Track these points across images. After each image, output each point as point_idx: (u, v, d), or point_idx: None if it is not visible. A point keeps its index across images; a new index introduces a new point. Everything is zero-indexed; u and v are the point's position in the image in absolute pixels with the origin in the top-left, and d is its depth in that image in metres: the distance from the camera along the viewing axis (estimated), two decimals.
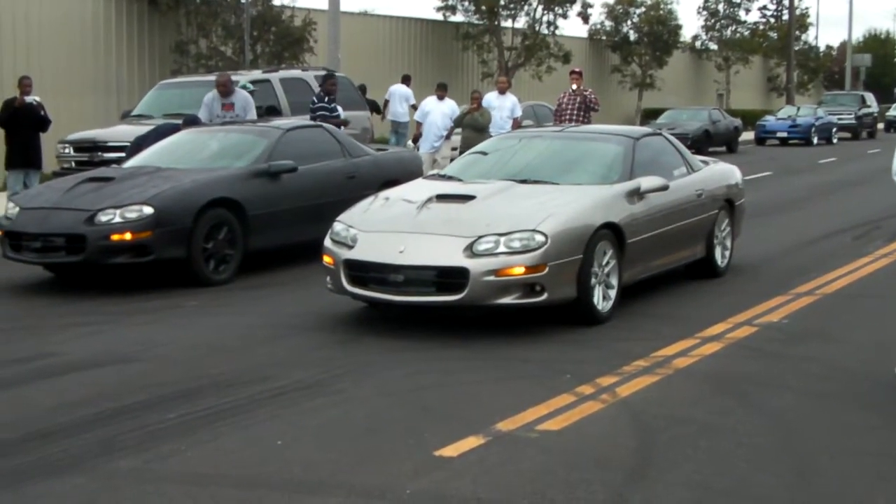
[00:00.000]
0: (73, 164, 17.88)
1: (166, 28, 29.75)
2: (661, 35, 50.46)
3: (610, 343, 8.70)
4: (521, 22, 42.84)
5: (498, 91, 20.10)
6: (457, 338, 8.81)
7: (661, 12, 50.71)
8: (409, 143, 22.39)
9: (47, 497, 5.53)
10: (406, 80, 28.06)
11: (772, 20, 62.38)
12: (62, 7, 27.17)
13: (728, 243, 11.82)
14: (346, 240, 9.34)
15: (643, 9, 50.71)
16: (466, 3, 41.42)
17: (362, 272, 9.12)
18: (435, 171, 12.52)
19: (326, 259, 9.49)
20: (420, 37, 39.90)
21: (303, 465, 5.88)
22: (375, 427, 6.57)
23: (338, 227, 9.61)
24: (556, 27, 43.21)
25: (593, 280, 9.19)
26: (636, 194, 9.98)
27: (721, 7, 58.99)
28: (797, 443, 6.28)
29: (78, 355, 8.53)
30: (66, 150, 18.57)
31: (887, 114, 53.57)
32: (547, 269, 8.77)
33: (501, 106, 19.56)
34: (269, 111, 18.06)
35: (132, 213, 11.00)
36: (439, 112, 19.43)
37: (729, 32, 59.56)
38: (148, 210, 11.02)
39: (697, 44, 58.47)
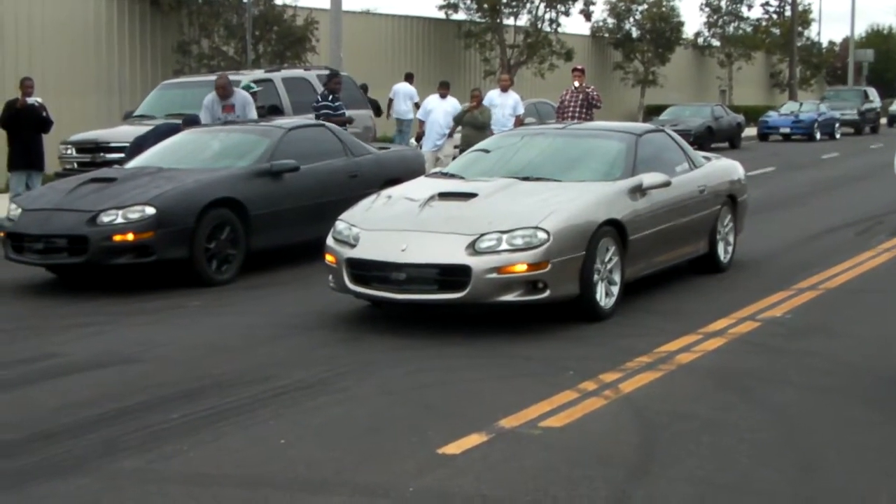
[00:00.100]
0: (76, 165, 17.89)
1: (168, 28, 29.75)
2: (663, 32, 50.40)
3: (613, 339, 8.70)
4: (524, 20, 42.85)
5: (500, 89, 20.10)
6: (459, 335, 8.81)
7: (664, 9, 50.66)
8: (412, 141, 22.39)
9: (51, 498, 5.54)
10: (409, 78, 28.06)
11: (774, 16, 62.32)
12: (64, 8, 27.17)
13: (731, 239, 11.82)
14: (349, 238, 9.34)
15: (645, 6, 50.66)
16: (468, 2, 41.40)
17: (365, 271, 9.12)
18: (437, 170, 12.51)
19: (329, 258, 9.49)
20: (422, 35, 39.88)
21: (306, 464, 5.88)
22: (378, 425, 6.57)
23: (340, 225, 9.61)
24: (559, 25, 43.17)
25: (596, 277, 9.19)
26: (639, 191, 9.98)
27: (723, 3, 58.93)
28: (800, 438, 6.28)
29: (81, 356, 8.53)
30: (69, 151, 18.58)
31: (890, 108, 53.52)
32: (549, 266, 8.77)
33: (504, 104, 19.55)
34: (271, 111, 18.05)
35: (134, 214, 11.01)
36: (442, 110, 19.42)
37: (731, 29, 59.49)
38: (150, 210, 11.03)
39: (700, 40, 58.41)
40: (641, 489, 5.52)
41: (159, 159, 12.74)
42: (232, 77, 19.65)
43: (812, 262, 12.13)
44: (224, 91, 15.09)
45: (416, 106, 23.77)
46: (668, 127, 24.45)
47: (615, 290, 9.48)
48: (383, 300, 9.27)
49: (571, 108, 18.78)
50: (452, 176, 10.66)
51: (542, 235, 8.80)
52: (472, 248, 8.76)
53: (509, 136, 12.03)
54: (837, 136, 41.89)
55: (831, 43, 74.54)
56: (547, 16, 42.74)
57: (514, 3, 42.02)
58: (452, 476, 5.66)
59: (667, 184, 10.20)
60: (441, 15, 41.61)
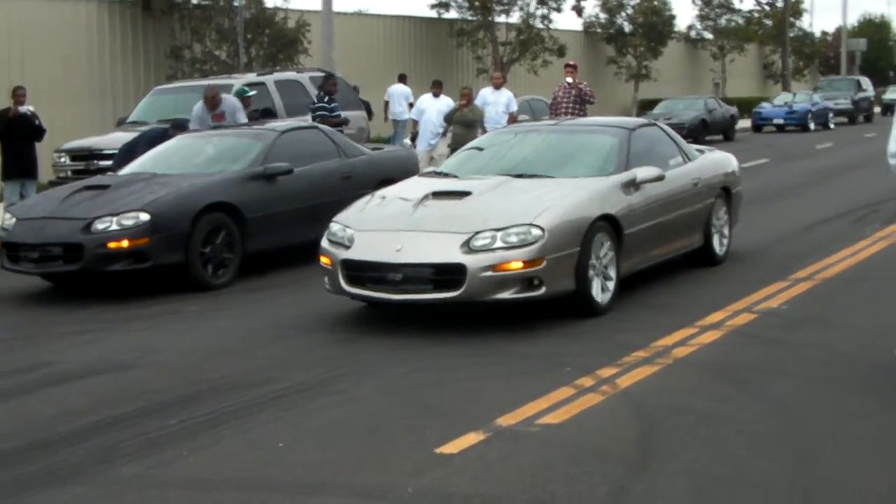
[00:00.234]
0: (70, 172, 17.88)
1: (160, 33, 29.75)
2: (655, 25, 50.42)
3: (609, 334, 8.70)
4: (515, 17, 42.86)
5: (493, 86, 20.12)
6: (456, 334, 8.81)
7: (656, 3, 50.68)
8: (406, 141, 22.40)
9: None
10: (402, 78, 28.13)
11: (766, 7, 62.33)
12: (56, 15, 27.15)
13: (726, 231, 11.82)
14: (343, 240, 9.34)
15: (637, 0, 50.66)
16: (460, 0, 41.39)
17: (360, 272, 9.12)
18: (431, 169, 12.51)
19: (324, 260, 9.49)
20: (414, 35, 39.88)
21: (305, 467, 5.88)
22: (376, 426, 6.58)
23: (334, 227, 9.61)
24: (551, 21, 43.19)
25: (591, 272, 9.19)
26: (632, 185, 9.98)
27: None
28: (797, 429, 6.28)
29: (77, 364, 8.53)
30: (63, 159, 18.58)
31: (883, 97, 53.52)
32: (544, 263, 8.77)
33: (496, 101, 19.58)
34: (264, 113, 18.05)
35: (129, 220, 11.00)
36: (435, 109, 19.43)
37: (723, 21, 59.52)
38: (144, 217, 11.02)
39: (692, 33, 58.43)
40: (640, 484, 5.52)
41: (153, 165, 12.74)
42: (224, 81, 19.73)
43: (807, 253, 12.13)
44: (213, 102, 15.07)
45: (411, 106, 23.79)
46: (662, 120, 24.47)
47: (611, 285, 9.48)
48: (379, 301, 9.27)
49: (564, 105, 18.78)
50: (446, 175, 10.66)
51: (536, 232, 8.80)
52: (467, 247, 8.76)
53: (502, 133, 12.04)
54: (831, 125, 41.89)
55: (824, 33, 74.54)
56: (538, 12, 42.77)
57: (505, 1, 42.03)
58: (450, 475, 5.66)
59: (660, 178, 10.20)
60: (433, 14, 41.66)
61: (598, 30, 50.51)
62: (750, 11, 61.74)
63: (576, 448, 6.04)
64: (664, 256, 10.68)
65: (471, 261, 8.68)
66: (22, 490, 5.74)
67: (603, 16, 50.73)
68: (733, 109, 38.73)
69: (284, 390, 7.41)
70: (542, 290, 8.82)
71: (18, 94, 16.23)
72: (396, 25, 39.06)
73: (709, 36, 58.91)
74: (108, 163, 16.42)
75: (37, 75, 25.56)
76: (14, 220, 11.61)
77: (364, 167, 13.66)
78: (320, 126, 14.58)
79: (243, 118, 15.30)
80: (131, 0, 29.16)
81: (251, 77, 20.15)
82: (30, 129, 16.10)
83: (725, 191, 11.82)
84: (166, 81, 25.00)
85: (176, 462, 6.05)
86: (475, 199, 9.46)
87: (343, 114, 17.73)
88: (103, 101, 27.66)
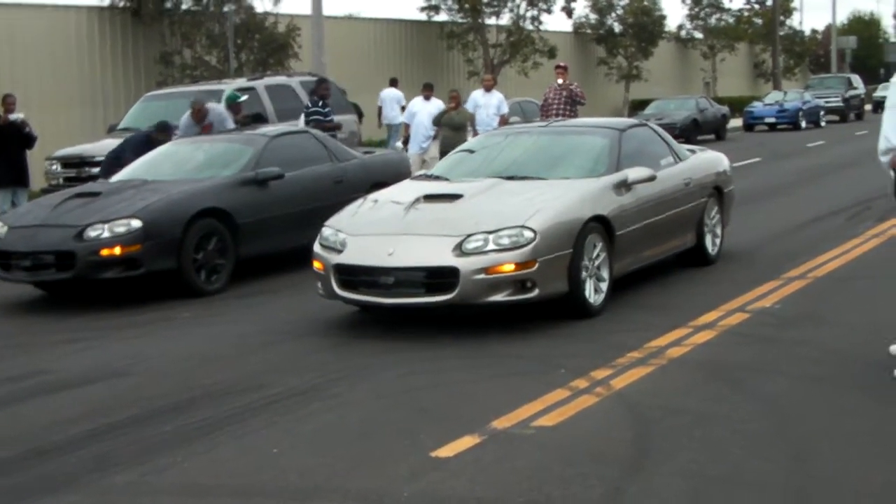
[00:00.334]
0: (61, 180, 17.88)
1: (150, 39, 29.72)
2: (645, 26, 50.48)
3: (603, 336, 8.70)
4: (505, 18, 42.89)
5: (484, 89, 20.11)
6: (450, 337, 8.80)
7: (646, 3, 50.73)
8: (398, 144, 22.40)
9: None
10: (394, 82, 28.17)
11: (756, 6, 62.45)
12: (46, 22, 27.13)
13: (718, 231, 11.83)
14: (335, 244, 9.33)
15: (627, 0, 50.72)
16: (450, 2, 41.43)
17: (352, 276, 9.11)
18: (422, 172, 12.51)
19: (316, 264, 9.48)
20: (405, 38, 39.89)
21: (298, 472, 5.87)
22: (370, 430, 6.56)
23: (326, 231, 9.59)
24: (541, 22, 43.24)
25: (584, 274, 9.19)
26: (624, 186, 9.99)
27: None
28: (792, 427, 6.29)
29: (71, 372, 8.51)
30: (54, 167, 18.57)
31: (874, 95, 53.60)
32: (537, 265, 8.77)
33: (488, 104, 19.58)
34: (255, 119, 18.04)
35: (120, 227, 10.98)
36: (426, 112, 19.43)
37: (713, 20, 59.60)
38: (136, 223, 11.00)
39: (682, 33, 58.51)
40: (635, 485, 5.52)
41: (144, 172, 12.72)
42: (214, 87, 19.73)
43: (800, 251, 12.14)
44: (199, 115, 15.04)
45: (404, 109, 23.81)
46: (654, 121, 24.49)
47: (604, 286, 9.48)
48: (372, 305, 9.26)
49: (555, 106, 18.80)
50: (437, 178, 10.66)
51: (528, 234, 8.80)
52: (459, 250, 8.75)
53: (493, 135, 12.04)
54: (822, 123, 41.93)
55: (814, 31, 74.71)
56: (528, 14, 42.80)
57: (495, 3, 42.07)
58: (446, 479, 5.65)
59: (652, 178, 10.21)
60: (423, 17, 41.66)
61: (589, 31, 50.56)
62: (740, 10, 61.88)
63: (571, 450, 6.03)
64: (657, 257, 10.68)
65: (463, 264, 8.68)
66: (16, 499, 5.73)
67: (593, 16, 50.79)
68: (725, 109, 38.80)
69: (278, 395, 7.39)
70: (535, 293, 8.82)
71: (8, 102, 16.23)
72: (386, 29, 39.07)
73: (699, 35, 58.99)
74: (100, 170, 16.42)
75: (27, 82, 25.53)
76: (6, 228, 11.58)
77: (356, 171, 13.65)
78: (311, 130, 14.58)
79: (231, 125, 15.28)
80: (121, 7, 29.15)
81: (241, 82, 20.15)
82: (20, 137, 16.09)
83: (717, 190, 11.83)
84: (157, 87, 24.99)
85: (170, 469, 6.04)
86: (467, 202, 9.46)
87: (335, 118, 17.73)
88: (94, 107, 27.64)
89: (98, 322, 10.42)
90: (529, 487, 5.49)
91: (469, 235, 8.82)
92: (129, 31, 29.32)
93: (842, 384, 7.14)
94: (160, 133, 14.38)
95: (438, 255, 8.79)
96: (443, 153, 17.03)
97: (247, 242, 11.88)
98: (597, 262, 9.40)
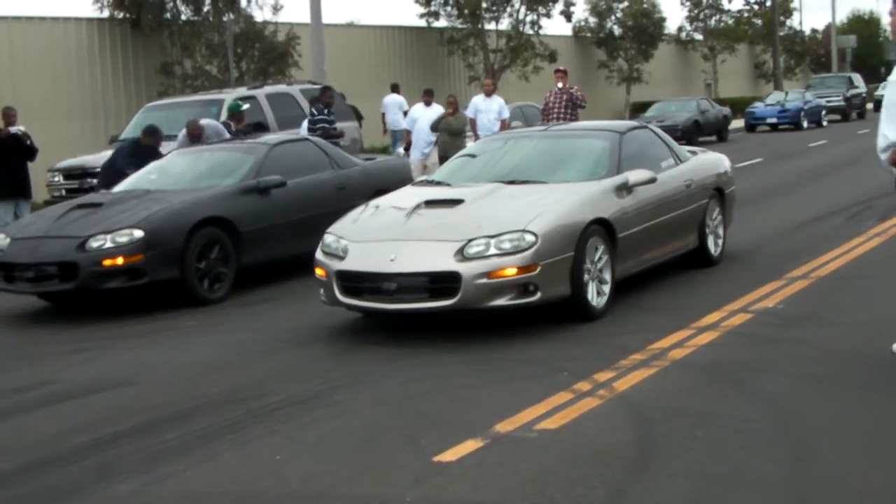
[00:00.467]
0: (64, 191, 17.91)
1: (151, 50, 29.78)
2: (645, 28, 50.51)
3: (606, 338, 8.70)
4: (505, 23, 42.91)
5: (484, 94, 20.10)
6: (453, 342, 8.81)
7: (645, 5, 50.76)
8: (400, 150, 22.42)
9: None
10: (395, 88, 28.23)
11: (755, 7, 62.45)
12: (46, 34, 27.20)
13: (720, 232, 11.82)
14: (337, 251, 9.34)
15: (626, 3, 50.76)
16: (449, 8, 41.46)
17: (355, 282, 9.12)
18: (423, 178, 12.52)
19: (318, 271, 9.49)
20: (405, 45, 39.92)
21: (301, 479, 5.87)
22: (373, 436, 6.57)
23: (328, 238, 9.61)
24: (540, 27, 43.28)
25: (586, 277, 9.19)
26: (625, 188, 9.99)
27: None
28: (794, 427, 6.28)
29: (75, 382, 8.53)
30: (56, 179, 18.62)
31: (875, 93, 53.56)
32: (539, 269, 8.77)
33: (488, 109, 19.56)
34: (256, 127, 18.07)
35: (123, 238, 11.00)
36: (427, 118, 19.42)
37: (713, 22, 59.64)
38: (138, 233, 11.02)
39: (682, 35, 58.53)
40: (638, 486, 5.52)
41: (146, 182, 12.76)
42: (215, 97, 19.77)
43: (802, 251, 12.13)
44: (196, 135, 15.06)
45: (406, 114, 23.84)
46: (655, 123, 24.50)
47: (606, 288, 9.48)
48: (375, 311, 9.27)
49: (556, 110, 18.83)
50: (438, 183, 10.67)
51: (529, 238, 8.80)
52: (461, 255, 8.76)
53: (494, 140, 12.04)
54: (824, 123, 41.91)
55: (814, 31, 74.70)
56: (528, 18, 42.82)
57: (494, 8, 42.10)
58: (449, 484, 5.66)
59: (652, 180, 10.21)
60: (422, 23, 41.67)
61: (588, 34, 50.59)
62: (739, 11, 61.89)
63: (574, 453, 6.03)
64: (659, 259, 10.68)
65: (465, 268, 8.68)
66: None
67: (592, 20, 50.81)
68: (726, 110, 38.80)
69: (281, 403, 7.40)
70: (538, 296, 8.82)
71: (9, 115, 16.27)
72: (386, 36, 39.11)
73: (699, 37, 59.01)
74: None
75: (28, 94, 25.60)
76: (8, 240, 11.60)
77: (358, 178, 13.67)
78: (312, 138, 14.62)
79: (227, 136, 15.34)
80: (120, 18, 29.20)
81: (242, 91, 20.19)
82: (21, 150, 16.13)
83: (719, 191, 11.83)
84: (158, 98, 25.03)
85: (173, 477, 6.05)
86: (468, 207, 9.46)
87: (337, 125, 17.77)
88: (95, 118, 27.70)
89: (102, 332, 10.44)
90: (532, 491, 5.49)
91: (471, 240, 8.83)
92: (129, 42, 29.38)
93: (844, 383, 7.13)
94: (148, 137, 14.47)
95: (440, 260, 8.80)
96: (442, 158, 17.07)
97: (249, 251, 11.90)
98: (599, 265, 9.40)
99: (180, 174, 12.84)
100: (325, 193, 12.97)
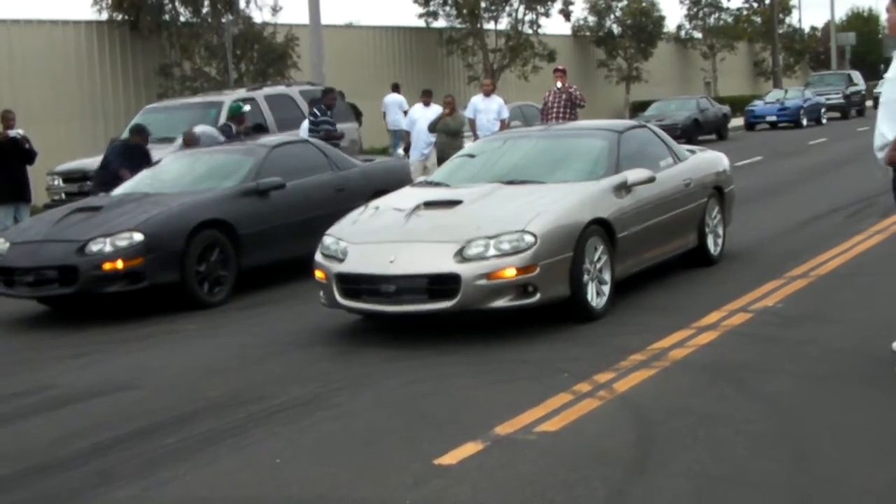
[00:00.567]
0: (63, 195, 17.90)
1: (150, 52, 29.77)
2: (644, 27, 50.48)
3: (606, 339, 8.69)
4: (504, 23, 42.90)
5: (483, 94, 20.10)
6: (453, 343, 8.80)
7: (644, 4, 50.73)
8: (400, 151, 22.42)
9: None
10: (396, 88, 28.25)
11: (755, 5, 62.41)
12: (44, 37, 27.19)
13: (720, 231, 11.81)
14: (337, 253, 9.33)
15: (625, 2, 50.74)
16: (448, 8, 41.45)
17: (354, 285, 9.10)
18: (422, 178, 12.51)
19: (318, 274, 9.47)
20: (404, 45, 39.90)
21: (301, 482, 5.87)
22: (374, 439, 6.56)
23: (327, 240, 9.59)
24: (539, 26, 43.25)
25: (586, 277, 9.18)
26: (623, 188, 9.98)
27: None
28: (795, 426, 6.27)
29: (75, 386, 8.52)
30: (56, 182, 18.61)
31: (875, 91, 53.52)
32: (538, 270, 8.76)
33: (487, 108, 19.56)
34: (255, 129, 18.06)
35: (122, 241, 10.99)
36: (426, 119, 19.42)
37: (712, 20, 59.60)
38: (138, 237, 11.01)
39: (682, 33, 58.50)
40: (639, 487, 5.51)
41: (145, 185, 12.75)
42: (214, 98, 19.78)
43: (802, 250, 12.12)
44: (190, 144, 15.07)
45: (406, 113, 23.86)
46: (655, 122, 24.50)
47: (606, 289, 9.47)
48: (375, 313, 9.26)
49: (555, 109, 18.80)
50: (437, 184, 10.66)
51: (528, 239, 8.79)
52: (460, 256, 8.75)
53: (493, 140, 12.03)
54: (824, 121, 41.91)
55: (813, 28, 74.59)
56: (527, 18, 42.80)
57: (493, 7, 42.08)
58: (449, 486, 5.65)
59: (651, 179, 10.19)
60: (421, 23, 41.65)
61: (587, 33, 50.56)
62: (738, 9, 61.85)
63: (574, 454, 6.02)
64: (659, 258, 10.67)
65: (464, 270, 8.67)
66: None
67: (591, 19, 50.78)
68: (726, 108, 38.79)
69: (281, 406, 7.39)
70: (537, 297, 8.81)
71: (8, 118, 16.26)
72: (385, 36, 39.08)
73: (698, 35, 58.99)
74: None
75: (28, 97, 25.59)
76: (8, 244, 11.58)
77: (357, 179, 13.66)
78: (311, 140, 14.62)
79: (222, 139, 15.37)
80: (119, 20, 29.20)
81: (241, 93, 20.18)
82: (20, 153, 16.12)
83: (718, 190, 11.82)
84: (157, 100, 25.04)
85: (172, 482, 6.04)
86: (467, 208, 9.45)
87: (338, 127, 17.78)
88: (95, 121, 27.69)
89: (102, 336, 10.43)
90: (533, 493, 5.48)
91: (470, 241, 8.81)
92: (128, 45, 29.38)
93: (845, 382, 7.12)
94: (136, 136, 14.52)
95: (439, 261, 8.79)
96: (440, 159, 17.08)
97: (249, 253, 11.89)
98: (598, 265, 9.39)
99: (179, 177, 12.83)
100: (325, 195, 12.96)
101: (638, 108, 44.86)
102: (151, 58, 29.74)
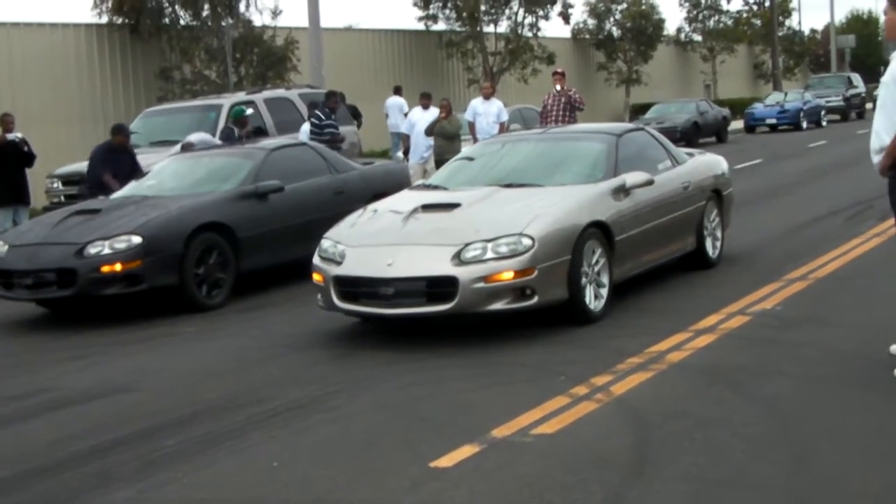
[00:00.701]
0: (63, 198, 17.90)
1: (150, 55, 29.78)
2: (644, 30, 50.49)
3: (603, 341, 8.69)
4: (503, 26, 42.91)
5: (483, 97, 20.09)
6: (451, 346, 8.80)
7: (644, 7, 50.74)
8: (399, 154, 22.41)
9: None
10: (398, 91, 28.28)
11: (754, 7, 62.44)
12: (44, 40, 27.20)
13: (718, 234, 11.81)
14: (335, 256, 9.33)
15: (625, 5, 50.74)
16: (447, 11, 41.46)
17: (352, 287, 9.11)
18: (421, 181, 12.51)
19: (316, 277, 9.48)
20: (404, 48, 39.90)
21: (299, 485, 5.87)
22: (371, 441, 6.57)
23: (325, 243, 9.60)
24: (539, 29, 43.25)
25: (584, 280, 9.18)
26: (622, 191, 9.98)
27: None
28: (793, 429, 6.27)
29: (74, 389, 8.52)
30: (55, 185, 18.62)
31: (875, 93, 53.52)
32: (536, 273, 8.77)
33: (487, 111, 19.55)
34: (255, 132, 18.07)
35: (121, 244, 11.00)
36: (424, 122, 19.41)
37: (712, 23, 59.63)
38: (136, 239, 11.02)
39: (681, 36, 58.52)
40: (636, 490, 5.51)
41: (144, 188, 12.77)
42: (214, 101, 19.81)
43: (801, 252, 12.13)
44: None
45: (405, 116, 23.86)
46: (654, 125, 24.49)
47: (604, 291, 9.47)
48: (372, 316, 9.27)
49: (554, 112, 18.81)
50: (436, 187, 10.66)
51: (526, 242, 8.80)
52: (458, 259, 8.75)
53: (491, 143, 12.04)
54: (824, 123, 41.89)
55: (813, 31, 74.63)
56: (526, 21, 42.81)
57: (492, 11, 42.09)
58: (446, 489, 5.65)
59: (649, 182, 10.20)
60: (421, 26, 41.67)
61: (587, 36, 50.57)
62: (738, 12, 61.88)
63: (571, 457, 6.02)
64: (657, 261, 10.67)
65: (462, 273, 8.68)
66: None
67: (591, 22, 50.79)
68: (725, 111, 38.80)
69: (279, 408, 7.40)
70: (535, 300, 8.82)
71: (7, 121, 16.27)
72: (385, 39, 39.09)
73: (698, 38, 59.01)
74: None
75: (27, 100, 25.60)
76: (6, 246, 11.59)
77: (356, 182, 13.67)
78: (309, 143, 14.63)
79: (217, 143, 15.40)
80: (119, 24, 29.22)
81: (241, 96, 20.19)
82: (19, 156, 16.12)
83: (716, 193, 11.82)
84: (157, 103, 25.02)
85: (171, 484, 6.04)
86: (465, 211, 9.46)
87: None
88: (94, 124, 27.66)
89: (100, 338, 10.44)
90: (530, 495, 5.48)
91: (467, 244, 8.82)
92: (128, 48, 29.38)
93: (844, 384, 7.12)
94: (117, 136, 14.51)
95: (437, 264, 8.79)
96: (438, 163, 17.07)
97: (248, 256, 11.90)
98: (596, 268, 9.39)
99: (178, 180, 12.85)
100: (323, 198, 12.97)
101: (638, 111, 44.88)
102: (151, 61, 29.75)
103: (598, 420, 6.68)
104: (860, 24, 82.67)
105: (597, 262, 9.39)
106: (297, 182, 12.81)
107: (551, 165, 10.58)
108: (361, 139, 22.23)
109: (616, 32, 50.81)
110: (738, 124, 41.54)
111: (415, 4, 41.70)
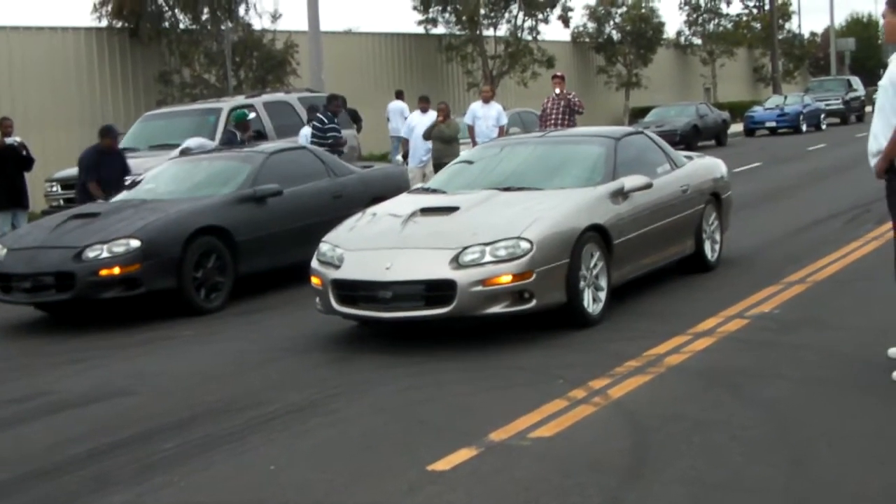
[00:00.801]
0: (62, 201, 17.90)
1: (149, 59, 29.80)
2: (644, 33, 50.52)
3: (602, 345, 8.69)
4: (503, 30, 42.94)
5: (482, 100, 20.10)
6: (449, 350, 8.80)
7: (643, 10, 50.77)
8: (398, 158, 22.41)
9: None
10: (400, 95, 28.32)
11: (754, 11, 62.50)
12: (44, 44, 27.22)
13: (717, 237, 11.81)
14: (333, 260, 9.33)
15: (625, 8, 50.77)
16: (447, 15, 41.47)
17: (350, 291, 9.11)
18: (419, 185, 12.51)
19: (314, 280, 9.48)
20: (404, 52, 39.92)
21: (297, 488, 5.87)
22: (369, 445, 6.56)
23: (324, 247, 9.60)
24: (538, 32, 43.28)
25: (582, 283, 9.18)
26: (620, 194, 9.98)
27: (703, 1, 59.11)
28: (792, 432, 6.27)
29: (73, 392, 8.52)
30: (54, 189, 18.61)
31: (874, 96, 53.52)
32: (534, 276, 8.76)
33: (486, 115, 19.56)
34: (255, 136, 18.07)
35: (119, 248, 10.99)
36: (423, 126, 19.40)
37: (712, 26, 59.67)
38: (135, 243, 11.01)
39: (681, 39, 58.55)
40: (633, 493, 5.51)
41: (143, 192, 12.76)
42: (213, 105, 19.82)
43: (800, 255, 12.13)
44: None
45: (405, 120, 23.86)
46: (654, 128, 24.49)
47: (602, 295, 9.46)
48: (371, 319, 9.26)
49: (554, 116, 18.81)
50: (434, 191, 10.66)
51: (524, 245, 8.79)
52: (456, 262, 8.75)
53: (490, 146, 12.04)
54: (823, 126, 41.93)
55: (812, 34, 74.67)
56: (526, 24, 42.83)
57: (492, 14, 42.11)
58: (444, 492, 5.64)
59: (648, 186, 10.20)
60: (421, 30, 41.69)
61: (587, 39, 50.59)
62: (738, 15, 61.93)
63: (569, 460, 6.02)
64: (656, 264, 10.66)
65: (460, 276, 8.67)
66: None
67: (591, 25, 50.82)
68: (725, 114, 38.82)
69: (277, 412, 7.39)
70: (533, 303, 8.81)
71: (6, 125, 16.28)
72: (385, 43, 39.11)
73: (698, 41, 59.04)
74: None
75: (27, 104, 25.62)
76: (5, 250, 11.59)
77: (355, 186, 13.67)
78: (308, 146, 14.64)
79: (212, 146, 15.41)
80: (119, 27, 29.23)
81: (240, 100, 20.20)
82: (18, 160, 16.13)
83: (715, 196, 11.82)
84: (156, 106, 25.04)
85: (168, 488, 6.04)
86: (463, 214, 9.46)
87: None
88: (94, 128, 27.14)
89: (99, 342, 10.44)
90: (527, 499, 5.48)
91: (466, 248, 8.82)
92: (128, 52, 29.40)
93: (842, 387, 7.12)
94: (104, 138, 14.49)
95: (435, 268, 8.79)
96: (436, 166, 17.06)
97: (246, 259, 11.89)
98: (595, 272, 9.39)
99: (177, 183, 12.85)
100: (322, 202, 12.97)
101: (637, 115, 44.89)
102: (151, 65, 29.77)
103: (596, 423, 6.68)
104: (860, 28, 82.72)
105: (595, 265, 9.39)
106: (295, 186, 12.81)
107: (550, 169, 10.57)
108: (361, 143, 22.24)
109: (616, 36, 50.83)
110: (737, 127, 41.58)
111: (414, 8, 41.77)
